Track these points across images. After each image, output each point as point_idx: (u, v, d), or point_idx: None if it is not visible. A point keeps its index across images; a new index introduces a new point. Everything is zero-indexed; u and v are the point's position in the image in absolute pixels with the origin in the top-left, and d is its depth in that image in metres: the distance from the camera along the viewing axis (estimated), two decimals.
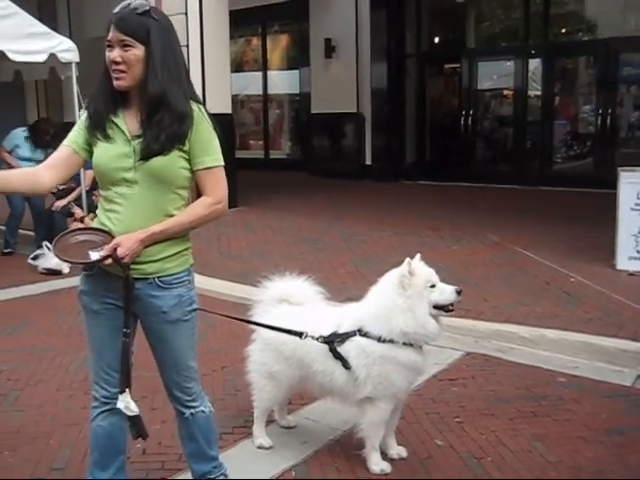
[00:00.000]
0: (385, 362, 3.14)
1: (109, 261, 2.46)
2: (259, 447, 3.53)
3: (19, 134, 8.37)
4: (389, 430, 3.40)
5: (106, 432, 2.73)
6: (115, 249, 2.44)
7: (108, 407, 2.70)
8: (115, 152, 2.51)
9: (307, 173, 14.26)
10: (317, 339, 3.21)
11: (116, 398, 2.64)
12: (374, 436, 3.29)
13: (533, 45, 12.70)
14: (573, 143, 12.68)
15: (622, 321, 5.05)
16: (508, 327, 5.08)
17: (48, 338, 5.32)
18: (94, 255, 2.47)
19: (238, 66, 16.39)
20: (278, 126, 16.94)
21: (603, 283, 5.93)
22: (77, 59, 8.28)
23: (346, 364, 3.19)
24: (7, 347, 5.13)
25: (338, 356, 3.21)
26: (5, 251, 8.41)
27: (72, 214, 7.97)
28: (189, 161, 2.54)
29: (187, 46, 9.73)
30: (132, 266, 2.50)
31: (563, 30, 12.87)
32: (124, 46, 2.44)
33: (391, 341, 3.13)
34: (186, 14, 10.02)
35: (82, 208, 8.05)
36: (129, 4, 2.47)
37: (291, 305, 3.50)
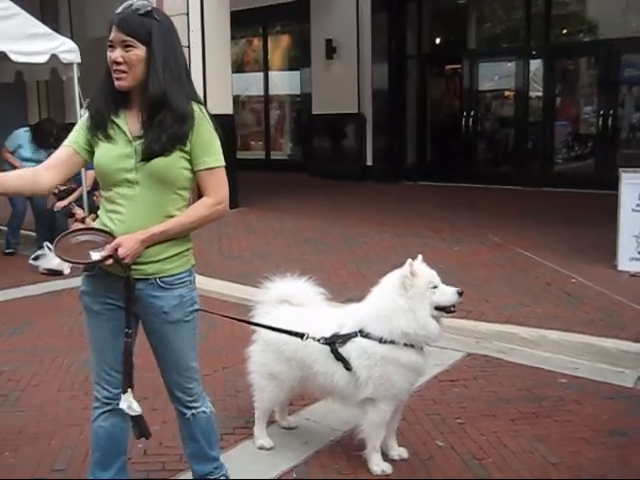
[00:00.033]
0: (386, 363, 3.14)
1: (110, 261, 2.46)
2: (260, 448, 3.53)
3: (22, 134, 8.38)
4: (390, 431, 3.40)
5: (107, 433, 2.73)
6: (116, 249, 2.44)
7: (109, 408, 2.70)
8: (116, 153, 2.52)
9: (308, 174, 14.26)
10: (318, 340, 3.21)
11: (117, 399, 2.65)
12: (375, 437, 3.29)
13: (534, 46, 12.68)
14: (574, 144, 12.67)
15: (623, 322, 5.05)
16: (509, 328, 5.08)
17: (49, 339, 5.32)
18: (95, 255, 2.47)
19: (239, 67, 16.40)
20: (279, 127, 16.94)
21: (604, 284, 5.93)
22: (78, 60, 8.29)
23: (347, 365, 3.19)
24: (8, 347, 5.13)
25: (339, 357, 3.21)
26: (7, 251, 8.41)
27: (73, 215, 7.96)
28: (190, 162, 2.54)
29: (188, 47, 9.73)
30: (133, 266, 2.50)
31: (564, 31, 12.87)
32: (126, 46, 2.44)
33: (392, 342, 3.13)
34: (187, 15, 10.03)
35: (83, 209, 8.05)
36: (131, 5, 2.47)
37: (292, 306, 3.50)
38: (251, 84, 16.81)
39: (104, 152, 2.53)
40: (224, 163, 2.60)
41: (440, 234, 8.23)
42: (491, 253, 7.32)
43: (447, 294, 3.16)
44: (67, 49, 8.18)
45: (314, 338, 3.20)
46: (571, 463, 3.36)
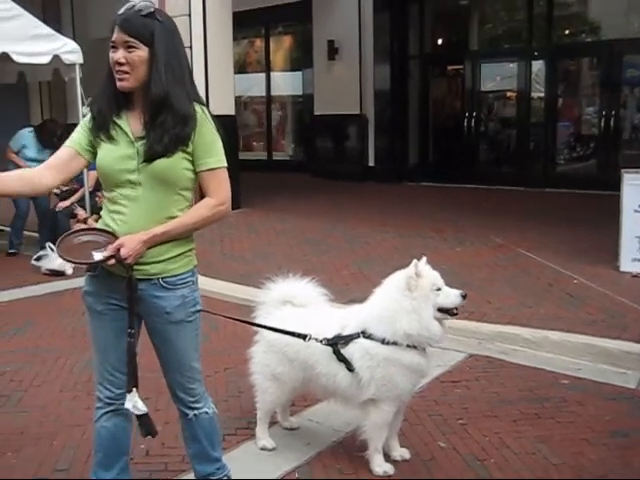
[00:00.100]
0: (389, 364, 3.14)
1: (112, 262, 2.46)
2: (262, 448, 3.53)
3: (26, 135, 8.39)
4: (392, 432, 3.40)
5: (110, 433, 2.73)
6: (118, 250, 2.44)
7: (112, 408, 2.70)
8: (118, 154, 2.52)
9: (310, 175, 14.27)
10: (321, 341, 3.21)
11: (120, 399, 2.66)
12: (377, 438, 3.29)
13: (536, 47, 12.69)
14: (576, 145, 12.67)
15: (625, 323, 5.04)
16: (511, 329, 5.07)
17: (52, 339, 5.33)
18: (97, 255, 2.47)
19: (241, 67, 16.41)
20: (281, 128, 16.95)
21: (606, 285, 5.92)
22: (81, 60, 8.30)
23: (350, 366, 3.19)
24: (10, 348, 5.13)
25: (342, 358, 3.21)
26: (10, 251, 8.44)
27: (75, 215, 7.99)
28: (192, 162, 2.54)
29: (190, 47, 9.74)
30: (136, 267, 2.50)
31: (566, 32, 12.87)
32: (128, 47, 2.44)
33: (395, 343, 3.13)
34: (189, 15, 10.03)
35: (85, 209, 8.06)
36: (133, 5, 2.47)
37: (295, 307, 3.50)
38: (253, 85, 16.82)
39: (106, 153, 2.54)
40: (226, 164, 2.61)
41: (442, 235, 8.23)
42: (493, 254, 7.31)
43: (451, 296, 3.16)
44: (69, 50, 8.20)
45: (316, 339, 3.20)
46: (573, 464, 3.35)
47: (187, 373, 2.68)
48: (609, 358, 4.60)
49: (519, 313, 5.38)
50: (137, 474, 3.16)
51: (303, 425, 3.80)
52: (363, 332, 3.19)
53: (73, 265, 5.93)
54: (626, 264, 6.38)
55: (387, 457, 3.37)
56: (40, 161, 7.93)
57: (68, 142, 2.61)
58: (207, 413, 2.78)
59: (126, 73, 2.46)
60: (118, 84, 2.48)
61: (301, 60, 15.82)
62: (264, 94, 16.70)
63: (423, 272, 3.14)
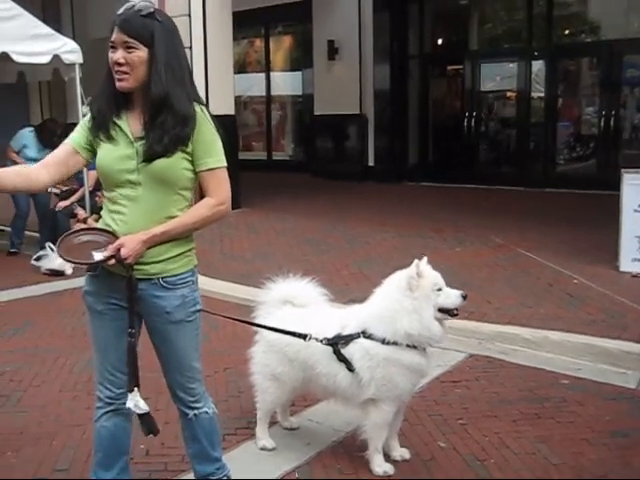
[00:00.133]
0: (389, 364, 3.14)
1: (112, 262, 2.46)
2: (262, 448, 3.53)
3: (27, 134, 8.39)
4: (392, 432, 3.40)
5: (110, 433, 2.73)
6: (118, 250, 2.45)
7: (112, 408, 2.71)
8: (118, 154, 2.52)
9: (310, 174, 14.27)
10: (321, 341, 3.21)
11: (120, 399, 2.66)
12: (377, 438, 3.29)
13: (536, 47, 12.68)
14: (576, 145, 12.67)
15: (625, 323, 5.04)
16: (511, 329, 5.07)
17: (51, 339, 5.33)
18: (97, 256, 2.47)
19: (241, 67, 16.41)
20: (281, 127, 16.95)
21: (606, 285, 5.92)
22: (80, 60, 8.30)
23: (350, 366, 3.19)
24: (10, 348, 5.13)
25: (342, 358, 3.21)
26: (11, 250, 8.47)
27: (75, 215, 7.99)
28: (192, 162, 2.54)
29: (190, 48, 9.74)
30: (136, 266, 2.50)
31: (566, 32, 12.87)
32: (127, 48, 2.44)
33: (395, 343, 3.13)
34: (189, 16, 10.03)
35: (85, 209, 8.06)
36: (133, 5, 2.46)
37: (295, 307, 3.50)
38: (253, 85, 16.82)
39: (106, 153, 2.54)
40: (226, 163, 2.60)
41: (442, 235, 8.23)
42: (493, 254, 7.31)
43: (451, 297, 3.16)
44: (69, 49, 8.19)
45: (317, 339, 3.20)
46: (573, 464, 3.35)
47: (187, 373, 2.68)
48: (609, 358, 4.60)
49: (519, 313, 5.38)
50: (137, 474, 3.16)
51: (303, 425, 3.80)
52: (363, 332, 3.19)
53: (73, 265, 5.93)
54: (626, 264, 6.38)
55: (387, 457, 3.37)
56: (40, 160, 7.95)
57: (67, 140, 2.62)
58: (207, 413, 2.78)
59: (125, 74, 2.45)
60: (117, 84, 2.48)
61: (301, 60, 15.82)
62: (264, 94, 16.70)
63: (424, 272, 3.14)
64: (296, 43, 16.29)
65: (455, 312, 3.18)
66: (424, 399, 4.07)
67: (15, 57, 7.68)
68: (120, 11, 2.48)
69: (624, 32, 11.63)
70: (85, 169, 7.77)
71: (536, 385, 4.34)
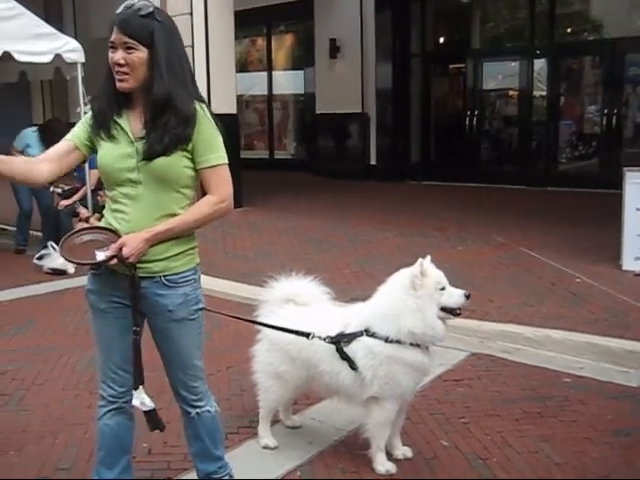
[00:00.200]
0: (392, 362, 3.14)
1: (114, 261, 2.46)
2: (264, 447, 3.53)
3: (30, 134, 8.39)
4: (395, 430, 3.40)
5: (113, 431, 2.74)
6: (120, 249, 2.45)
7: (115, 406, 2.71)
8: (118, 153, 2.52)
9: (312, 173, 14.27)
10: (324, 339, 3.21)
11: (123, 397, 2.67)
12: (380, 436, 3.29)
13: (538, 45, 12.67)
14: (578, 143, 12.66)
15: (628, 322, 5.04)
16: (513, 328, 5.06)
17: (53, 338, 5.33)
18: (100, 255, 2.48)
19: (243, 66, 16.40)
20: (283, 126, 16.95)
21: (609, 284, 5.91)
22: (82, 59, 8.31)
23: (353, 365, 3.19)
24: (12, 347, 5.14)
25: (345, 356, 3.21)
26: (18, 248, 8.52)
27: (77, 214, 7.99)
28: (192, 160, 2.54)
29: (192, 46, 9.74)
30: (138, 265, 2.50)
31: (568, 30, 12.84)
32: (127, 48, 2.43)
33: (398, 341, 3.13)
34: (191, 14, 10.03)
35: (87, 208, 8.07)
36: (132, 5, 2.45)
37: (297, 305, 3.50)
38: (255, 83, 16.81)
39: (106, 152, 2.54)
40: (227, 160, 2.60)
41: (444, 233, 8.22)
42: (495, 253, 7.31)
43: (454, 296, 3.16)
44: (71, 49, 8.20)
45: (320, 337, 3.20)
46: (576, 463, 3.35)
47: (189, 371, 2.68)
48: (611, 357, 4.59)
49: (521, 312, 5.38)
50: (139, 473, 3.16)
51: (305, 423, 3.80)
52: (366, 330, 3.19)
53: (75, 265, 5.93)
54: (628, 263, 6.37)
55: (389, 456, 3.37)
56: None
57: (68, 136, 2.63)
58: (209, 411, 2.78)
59: (126, 74, 2.45)
60: (118, 85, 2.47)
61: (303, 58, 15.81)
62: (266, 93, 16.70)
63: (428, 271, 3.14)
64: (298, 42, 16.28)
65: (458, 312, 3.18)
66: (426, 398, 4.07)
67: (17, 56, 7.68)
68: (119, 10, 2.47)
69: (626, 30, 11.61)
70: (87, 168, 7.79)
71: (538, 384, 4.34)
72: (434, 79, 14.11)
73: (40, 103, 16.69)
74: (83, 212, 7.93)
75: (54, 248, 7.22)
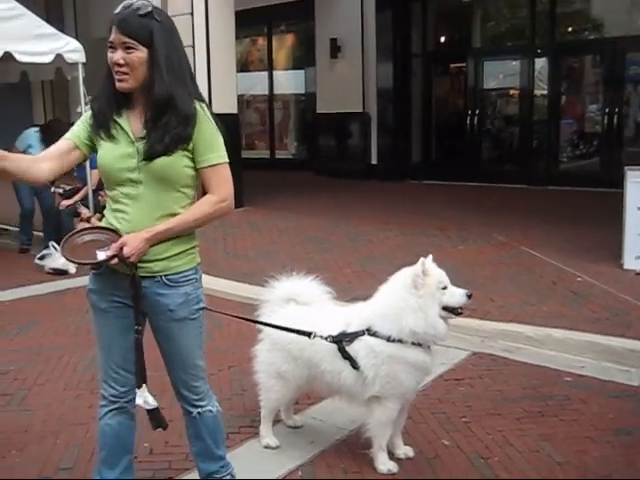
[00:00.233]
0: (394, 362, 3.14)
1: (115, 261, 2.47)
2: (266, 447, 3.53)
3: (32, 134, 8.39)
4: (396, 430, 3.40)
5: (114, 431, 2.74)
6: (121, 248, 2.45)
7: (116, 406, 2.71)
8: (118, 152, 2.52)
9: (313, 173, 14.27)
10: (326, 339, 3.21)
11: (124, 397, 2.68)
12: (381, 436, 3.29)
13: (539, 44, 12.65)
14: (580, 142, 12.65)
15: (629, 321, 5.03)
16: (514, 327, 5.06)
17: (55, 338, 5.33)
18: (101, 255, 2.48)
19: (244, 66, 16.39)
20: (284, 126, 16.94)
21: (610, 283, 5.91)
22: (83, 60, 8.31)
23: (354, 364, 3.19)
24: (14, 347, 5.14)
25: (346, 356, 3.21)
26: (22, 247, 8.55)
27: (79, 214, 8.00)
28: (193, 160, 2.54)
29: (193, 46, 9.74)
30: (139, 264, 2.50)
31: (569, 29, 12.83)
32: (126, 48, 2.43)
33: (400, 341, 3.13)
34: (192, 14, 10.03)
35: (88, 208, 8.07)
36: (131, 4, 2.45)
37: (299, 305, 3.50)
38: (256, 83, 16.81)
39: (107, 152, 2.54)
40: (227, 160, 2.59)
41: (445, 232, 8.22)
42: (496, 252, 7.31)
43: (456, 295, 3.17)
44: (72, 49, 8.20)
45: (321, 337, 3.20)
46: (577, 462, 3.35)
47: (191, 371, 2.69)
48: (613, 356, 4.59)
49: (522, 311, 5.38)
50: (141, 472, 3.16)
51: (307, 423, 3.80)
52: (368, 329, 3.19)
53: (76, 265, 5.94)
54: (630, 262, 6.37)
55: (391, 455, 3.37)
56: None
57: (68, 135, 2.62)
58: (211, 411, 2.78)
59: (125, 74, 2.45)
60: (117, 85, 2.47)
61: (303, 58, 15.80)
62: (267, 92, 16.70)
63: (430, 270, 3.14)
64: (299, 41, 16.28)
65: (459, 311, 3.19)
66: (427, 397, 4.07)
67: (18, 57, 7.69)
68: (117, 10, 2.46)
69: (627, 29, 11.61)
70: (88, 168, 7.79)
71: (539, 383, 4.34)
72: (435, 78, 14.10)
73: (41, 103, 16.69)
74: (84, 212, 7.94)
75: (55, 248, 7.23)
